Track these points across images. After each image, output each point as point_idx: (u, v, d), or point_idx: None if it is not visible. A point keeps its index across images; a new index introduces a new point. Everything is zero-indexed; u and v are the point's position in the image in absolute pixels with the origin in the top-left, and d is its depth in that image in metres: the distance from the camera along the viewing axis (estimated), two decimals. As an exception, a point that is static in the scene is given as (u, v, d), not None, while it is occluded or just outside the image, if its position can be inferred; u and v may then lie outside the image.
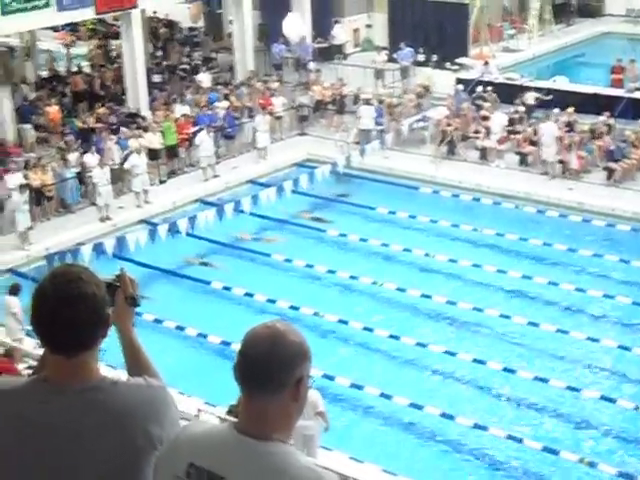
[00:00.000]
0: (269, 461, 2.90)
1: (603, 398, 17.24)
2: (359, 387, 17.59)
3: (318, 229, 24.81)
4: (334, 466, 12.19)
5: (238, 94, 31.92)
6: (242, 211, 25.48)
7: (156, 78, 33.94)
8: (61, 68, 38.16)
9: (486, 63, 33.49)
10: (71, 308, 3.13)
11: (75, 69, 36.75)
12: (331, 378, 17.53)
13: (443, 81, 33.25)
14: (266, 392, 2.93)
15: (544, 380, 17.72)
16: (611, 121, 28.17)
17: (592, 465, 15.31)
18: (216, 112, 29.74)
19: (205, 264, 23.02)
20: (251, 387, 2.96)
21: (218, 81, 34.14)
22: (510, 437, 16.09)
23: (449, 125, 29.19)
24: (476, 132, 29.18)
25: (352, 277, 21.98)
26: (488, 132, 28.89)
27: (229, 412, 13.56)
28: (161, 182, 27.27)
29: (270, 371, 2.91)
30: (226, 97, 31.34)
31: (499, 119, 28.91)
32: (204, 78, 33.53)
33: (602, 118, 28.22)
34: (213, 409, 14.98)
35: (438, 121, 29.66)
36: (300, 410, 3.03)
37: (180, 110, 29.53)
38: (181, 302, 21.50)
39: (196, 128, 28.44)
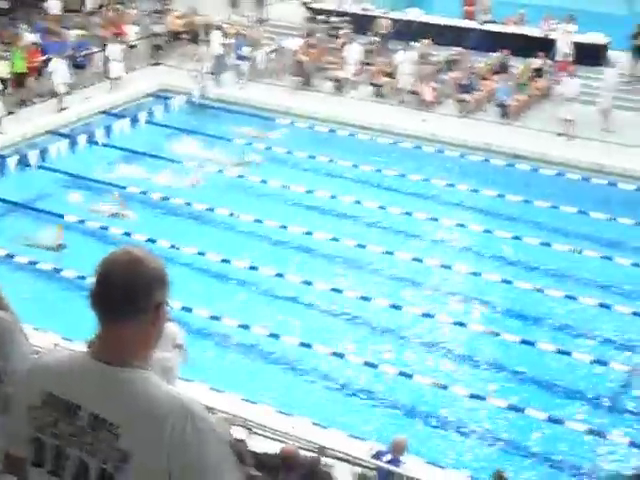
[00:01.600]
0: (129, 387, 2.87)
1: (456, 323, 17.78)
2: (217, 318, 17.62)
3: (173, 160, 24.47)
4: (195, 396, 12.23)
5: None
6: (95, 142, 24.92)
7: (2, 4, 32.55)
8: None
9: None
10: None
11: None
12: (189, 310, 17.50)
13: (297, 11, 33.06)
14: (124, 317, 2.89)
15: (398, 307, 18.15)
16: (464, 53, 28.64)
17: (444, 388, 15.84)
18: (66, 40, 28.80)
19: (115, 214, 21.77)
20: (109, 312, 2.91)
21: (69, 8, 32.99)
22: (367, 364, 16.46)
23: (303, 55, 29.12)
24: (331, 63, 29.22)
25: (208, 209, 21.85)
26: (343, 63, 28.99)
27: (89, 346, 13.38)
28: (9, 113, 26.28)
29: (128, 296, 2.87)
30: (78, 25, 30.38)
31: (355, 50, 29.02)
32: (53, 5, 32.34)
33: (455, 50, 28.67)
34: (70, 344, 14.73)
35: (294, 52, 29.55)
36: (158, 336, 3.00)
37: (28, 38, 28.43)
38: (34, 235, 20.93)
39: (45, 57, 27.51)
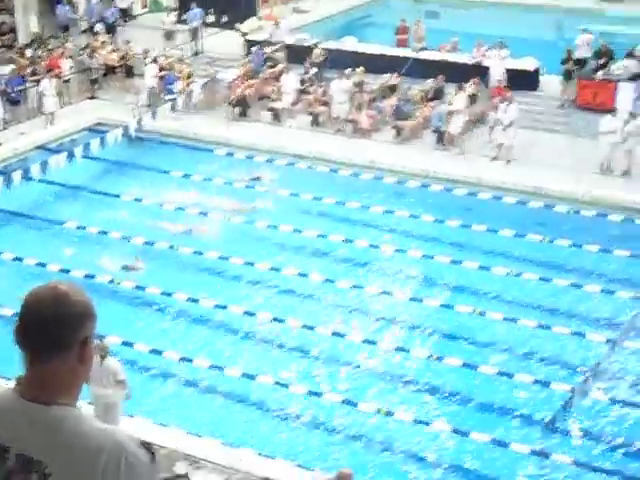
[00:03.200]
0: (58, 425, 2.81)
1: (399, 349, 17.83)
2: (159, 352, 17.46)
3: (112, 195, 24.30)
4: (138, 432, 12.11)
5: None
6: (31, 178, 24.64)
7: None
8: None
9: (276, 24, 33.54)
10: None
11: None
12: (130, 345, 17.35)
13: (232, 42, 33.15)
14: (51, 354, 2.83)
15: (341, 335, 18.14)
16: (398, 81, 28.90)
17: (389, 414, 15.84)
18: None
19: (126, 268, 20.77)
20: (35, 350, 2.85)
21: (4, 43, 32.75)
22: (311, 392, 16.41)
23: (239, 87, 29.16)
24: (268, 93, 29.34)
25: (147, 243, 21.71)
26: (280, 93, 29.10)
27: (18, 384, 13.15)
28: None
29: (55, 332, 2.82)
30: (11, 60, 30.12)
31: (291, 80, 29.11)
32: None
33: (389, 77, 28.91)
34: (7, 382, 14.48)
35: (230, 83, 29.58)
36: (87, 371, 2.95)
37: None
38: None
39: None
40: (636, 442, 15.54)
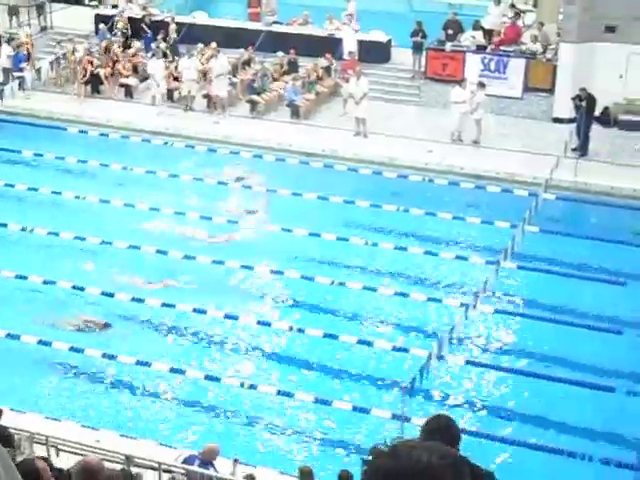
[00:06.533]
0: None
1: (260, 323, 17.90)
2: (47, 344, 17.01)
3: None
4: (29, 427, 11.97)
5: None
6: None
7: None
8: None
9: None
10: None
11: None
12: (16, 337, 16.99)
13: (82, 18, 32.37)
14: None
15: (202, 311, 18.11)
16: (252, 55, 28.81)
17: (253, 387, 15.94)
18: None
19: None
20: None
21: None
22: (173, 370, 16.38)
23: (91, 63, 28.54)
24: (119, 69, 28.87)
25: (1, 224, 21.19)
26: (136, 70, 28.66)
27: None
28: None
29: None
30: None
31: (158, 66, 28.36)
32: None
33: (243, 52, 28.79)
34: None
35: (80, 59, 28.92)
36: None
37: None
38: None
39: None
40: (492, 401, 16.11)
